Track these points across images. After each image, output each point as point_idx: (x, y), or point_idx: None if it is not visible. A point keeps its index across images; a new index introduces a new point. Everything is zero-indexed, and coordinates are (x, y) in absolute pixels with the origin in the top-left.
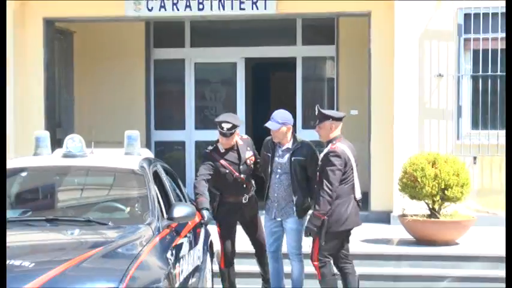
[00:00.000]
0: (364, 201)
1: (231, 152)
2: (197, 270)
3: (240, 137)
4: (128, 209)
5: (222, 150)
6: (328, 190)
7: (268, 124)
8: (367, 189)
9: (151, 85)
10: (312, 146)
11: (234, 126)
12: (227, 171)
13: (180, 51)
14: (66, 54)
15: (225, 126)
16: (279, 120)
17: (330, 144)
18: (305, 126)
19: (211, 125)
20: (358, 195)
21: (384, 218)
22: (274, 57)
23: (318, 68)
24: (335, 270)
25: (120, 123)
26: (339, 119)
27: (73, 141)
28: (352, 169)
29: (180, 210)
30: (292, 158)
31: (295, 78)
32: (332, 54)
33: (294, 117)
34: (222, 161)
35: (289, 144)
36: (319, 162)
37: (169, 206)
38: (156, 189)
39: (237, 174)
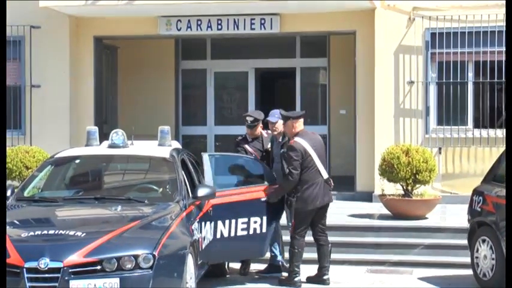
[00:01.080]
0: (351, 183)
1: (257, 141)
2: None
3: (266, 131)
4: (161, 189)
5: (249, 139)
6: (288, 175)
7: (269, 119)
8: (353, 173)
9: (179, 90)
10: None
11: (256, 120)
12: (252, 156)
13: (203, 63)
14: (112, 65)
15: (249, 119)
16: (277, 116)
17: (290, 140)
18: (304, 122)
19: (228, 122)
20: (325, 175)
21: (367, 197)
22: (278, 67)
23: (313, 76)
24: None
25: (154, 120)
26: (298, 117)
27: (117, 135)
28: (311, 157)
29: (203, 191)
30: (281, 150)
31: (295, 85)
32: (325, 65)
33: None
34: (248, 147)
35: (280, 138)
36: (283, 155)
37: (193, 187)
38: (183, 173)
39: (260, 159)
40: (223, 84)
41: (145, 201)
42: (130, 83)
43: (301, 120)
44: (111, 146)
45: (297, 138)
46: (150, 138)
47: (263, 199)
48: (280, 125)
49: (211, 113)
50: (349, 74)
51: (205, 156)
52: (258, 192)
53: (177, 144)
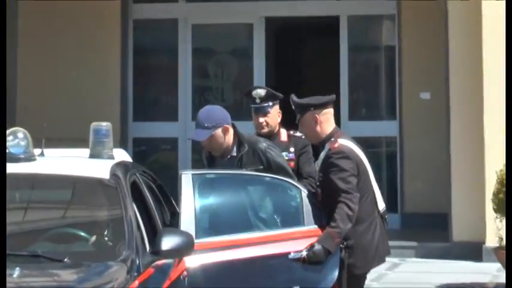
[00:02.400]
0: (444, 227)
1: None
2: None
3: (290, 132)
4: (94, 238)
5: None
6: (347, 202)
7: (192, 135)
8: (446, 209)
9: (128, 57)
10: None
11: (271, 96)
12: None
13: (171, 8)
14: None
15: (257, 93)
16: (207, 124)
17: (329, 143)
18: (354, 116)
19: None
20: (382, 206)
21: (472, 251)
22: (308, 16)
23: (371, 32)
24: None
25: (83, 112)
26: (323, 105)
27: (14, 139)
28: (367, 175)
29: (170, 241)
30: (319, 161)
31: (339, 47)
32: (392, 11)
33: (337, 102)
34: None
35: (233, 152)
36: (319, 174)
37: (154, 234)
38: (136, 208)
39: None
40: (209, 46)
41: (65, 260)
42: (40, 50)
43: (330, 111)
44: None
45: (342, 140)
46: (75, 144)
47: (293, 255)
48: (273, 118)
49: (187, 99)
50: (436, 30)
51: (185, 177)
52: (283, 242)
53: (123, 156)
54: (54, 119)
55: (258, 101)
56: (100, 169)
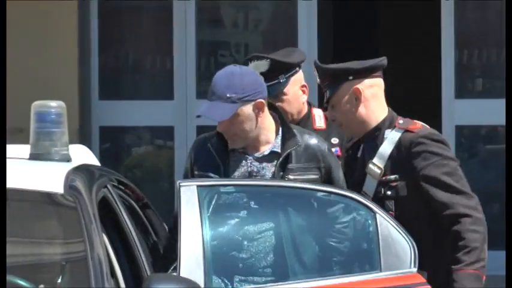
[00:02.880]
0: None
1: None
2: None
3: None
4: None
5: None
6: (473, 212)
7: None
8: None
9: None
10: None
11: (281, 64)
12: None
13: None
14: None
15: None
16: (229, 94)
17: (399, 127)
18: (461, 94)
19: None
20: None
21: None
22: None
23: None
24: None
25: (18, 86)
26: (369, 72)
27: None
28: None
29: None
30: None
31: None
32: None
33: (439, 76)
34: None
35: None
36: (389, 178)
37: (138, 283)
38: (107, 241)
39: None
40: None
41: None
42: None
43: (379, 83)
44: None
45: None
46: (10, 137)
47: None
48: (291, 100)
49: (188, 63)
50: None
51: (186, 190)
52: None
53: (86, 156)
54: None
55: (267, 67)
56: (49, 178)
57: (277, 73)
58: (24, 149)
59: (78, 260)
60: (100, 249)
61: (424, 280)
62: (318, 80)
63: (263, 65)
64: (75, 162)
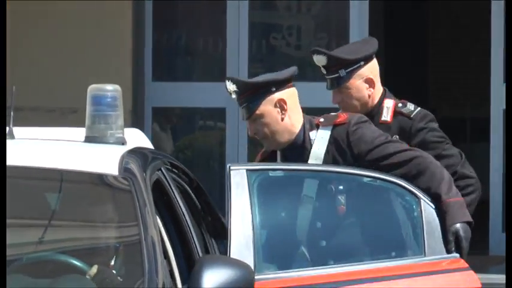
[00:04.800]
0: None
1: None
2: None
3: (397, 101)
4: (94, 269)
5: None
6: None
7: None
8: None
9: None
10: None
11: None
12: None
13: None
14: None
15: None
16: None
17: (324, 122)
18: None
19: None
20: None
21: None
22: None
23: None
24: None
25: (73, 70)
26: (288, 82)
27: None
28: None
29: (216, 276)
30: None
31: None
32: None
33: (488, 72)
34: None
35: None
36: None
37: (190, 265)
38: (161, 224)
39: None
40: None
41: None
42: None
43: (295, 91)
44: None
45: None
46: (62, 118)
47: None
48: (353, 93)
49: (241, 45)
50: None
51: (236, 174)
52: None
53: (140, 139)
54: (24, 81)
55: (323, 71)
56: (104, 160)
57: (337, 68)
58: (79, 132)
59: (132, 242)
60: (154, 232)
61: (466, 265)
62: (324, 63)
63: (322, 58)
64: (130, 145)
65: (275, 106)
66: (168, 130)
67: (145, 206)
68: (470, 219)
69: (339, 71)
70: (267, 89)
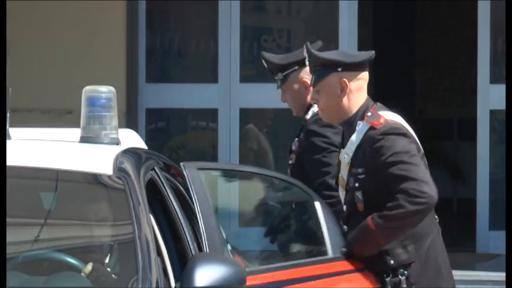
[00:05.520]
0: None
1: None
2: None
3: None
4: (89, 267)
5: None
6: (416, 192)
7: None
8: None
9: None
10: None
11: (279, 66)
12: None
13: None
14: None
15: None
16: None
17: (366, 120)
18: (496, 79)
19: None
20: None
21: None
22: None
23: None
24: None
25: (68, 72)
26: (358, 66)
27: None
28: (426, 165)
29: (209, 273)
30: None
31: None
32: None
33: (474, 73)
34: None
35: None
36: (356, 170)
37: (182, 262)
38: (154, 222)
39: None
40: None
41: None
42: None
43: (365, 76)
44: None
45: (386, 113)
46: (58, 119)
47: None
48: (291, 95)
49: (233, 47)
50: None
51: (190, 171)
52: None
53: (134, 139)
54: (21, 83)
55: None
56: (98, 160)
57: (278, 70)
58: (75, 133)
59: (126, 240)
60: (147, 230)
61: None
62: (307, 62)
63: (264, 63)
64: (124, 145)
65: (336, 85)
66: (161, 131)
67: (139, 204)
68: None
69: (278, 74)
70: (334, 67)
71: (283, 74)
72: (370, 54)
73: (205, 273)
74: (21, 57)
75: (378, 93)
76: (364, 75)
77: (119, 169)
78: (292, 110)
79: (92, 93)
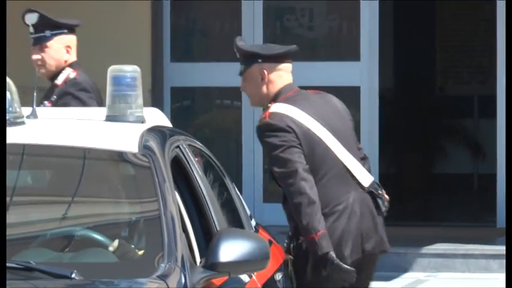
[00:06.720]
0: None
1: None
2: None
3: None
4: (116, 243)
5: None
6: (295, 190)
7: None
8: None
9: None
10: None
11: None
12: None
13: None
14: None
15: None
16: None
17: (263, 111)
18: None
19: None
20: (366, 181)
21: None
22: None
23: None
24: None
25: (93, 50)
26: (277, 58)
27: None
28: (321, 141)
29: (233, 248)
30: None
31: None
32: None
33: (494, 51)
34: None
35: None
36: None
37: (207, 237)
38: (179, 199)
39: None
40: None
41: (73, 276)
42: None
43: (287, 67)
44: None
45: (276, 106)
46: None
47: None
48: (53, 54)
49: (256, 25)
50: None
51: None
52: None
53: (159, 118)
54: None
55: (31, 30)
56: (124, 138)
57: (44, 28)
58: (101, 111)
59: (152, 217)
60: (172, 207)
61: None
62: (237, 54)
63: (34, 16)
64: (149, 123)
65: (256, 74)
66: (186, 109)
67: (164, 182)
68: None
69: (45, 31)
70: (254, 59)
71: (52, 32)
72: (290, 48)
73: (230, 249)
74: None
75: (399, 72)
76: (284, 67)
77: (144, 147)
78: None
79: (117, 73)
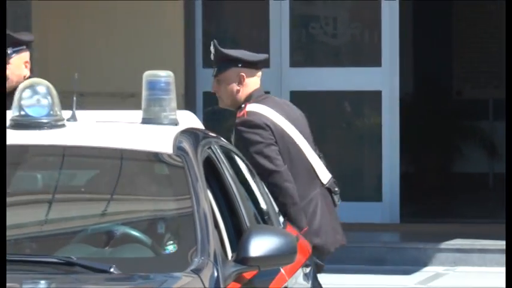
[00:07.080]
0: None
1: None
2: None
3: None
4: (150, 239)
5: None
6: (282, 186)
7: None
8: None
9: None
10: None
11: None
12: None
13: None
14: None
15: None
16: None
17: (239, 110)
18: None
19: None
20: (326, 178)
21: None
22: None
23: None
24: None
25: (129, 56)
26: (255, 65)
27: (33, 94)
28: (291, 140)
29: (263, 244)
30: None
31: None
32: None
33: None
34: None
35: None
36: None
37: (238, 234)
38: (211, 196)
39: None
40: None
41: (111, 270)
42: None
43: (260, 74)
44: (18, 124)
45: (252, 106)
46: (121, 102)
47: None
48: (13, 70)
49: (282, 32)
50: None
51: None
52: None
53: (192, 120)
54: (87, 67)
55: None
56: (159, 140)
57: (9, 45)
58: (137, 114)
59: (186, 214)
60: (205, 204)
61: None
62: (212, 55)
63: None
64: (182, 126)
65: (234, 78)
66: (217, 112)
67: (197, 181)
68: None
69: (7, 49)
70: (235, 63)
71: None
72: (266, 56)
73: (259, 244)
74: (86, 46)
75: (419, 77)
76: (259, 73)
77: (178, 148)
78: None
79: (152, 78)
